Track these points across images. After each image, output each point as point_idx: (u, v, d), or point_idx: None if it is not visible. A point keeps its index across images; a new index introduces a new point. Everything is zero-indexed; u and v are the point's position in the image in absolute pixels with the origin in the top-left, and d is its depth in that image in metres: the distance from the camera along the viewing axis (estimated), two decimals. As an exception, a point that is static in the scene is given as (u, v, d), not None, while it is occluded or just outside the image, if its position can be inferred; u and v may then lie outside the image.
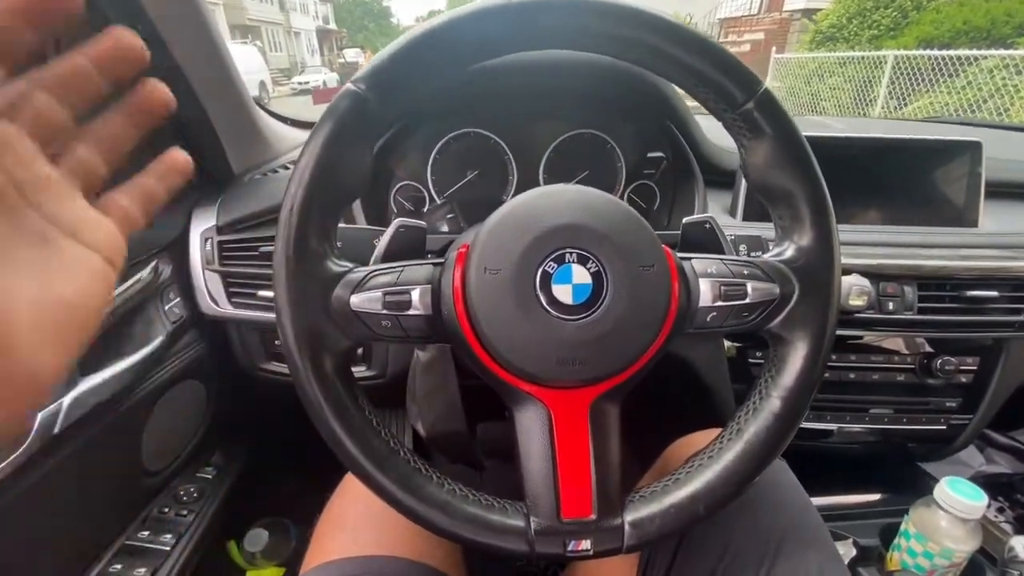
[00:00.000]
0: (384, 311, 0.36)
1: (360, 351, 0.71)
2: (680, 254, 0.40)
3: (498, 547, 0.37)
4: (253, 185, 0.74)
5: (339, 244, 0.53)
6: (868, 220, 0.75)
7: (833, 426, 0.78)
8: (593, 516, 0.38)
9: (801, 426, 0.73)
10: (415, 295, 0.37)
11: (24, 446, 0.43)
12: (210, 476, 0.72)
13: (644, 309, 0.36)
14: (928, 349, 0.74)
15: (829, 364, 0.74)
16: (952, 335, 0.72)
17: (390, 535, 0.47)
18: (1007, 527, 0.92)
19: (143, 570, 0.58)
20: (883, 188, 0.76)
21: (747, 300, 0.38)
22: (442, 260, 0.39)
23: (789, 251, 0.40)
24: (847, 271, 0.69)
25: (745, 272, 0.39)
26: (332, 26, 39.98)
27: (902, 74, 5.28)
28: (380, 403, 0.74)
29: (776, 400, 0.39)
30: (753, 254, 0.66)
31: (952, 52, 4.80)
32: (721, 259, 0.40)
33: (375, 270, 0.38)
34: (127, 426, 0.59)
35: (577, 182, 0.76)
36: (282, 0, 26.97)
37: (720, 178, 0.77)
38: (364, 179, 0.39)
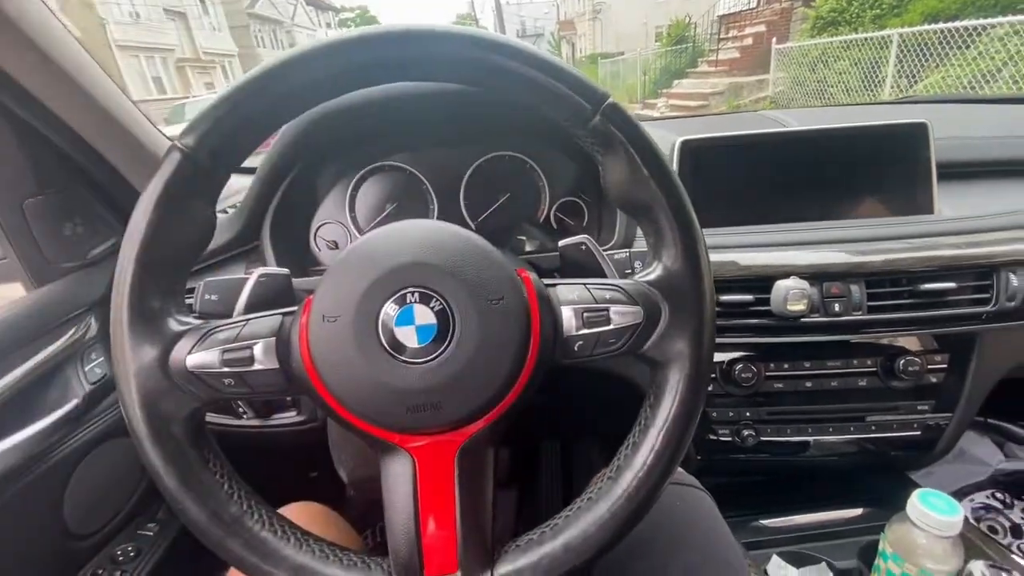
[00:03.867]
0: (225, 369, 0.35)
1: (288, 398, 0.70)
2: (547, 281, 0.38)
3: None
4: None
5: (214, 297, 0.52)
6: (811, 217, 0.71)
7: (808, 439, 0.72)
8: (458, 572, 0.35)
9: (773, 439, 0.71)
10: (258, 350, 0.35)
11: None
12: (151, 533, 0.72)
13: (497, 345, 0.34)
14: (891, 350, 0.69)
15: (782, 374, 0.69)
16: (909, 332, 0.67)
17: None
18: (1002, 534, 0.84)
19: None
20: (828, 182, 0.71)
21: (611, 326, 0.36)
22: (294, 309, 0.38)
23: (657, 271, 0.37)
24: (784, 274, 0.64)
25: (607, 296, 0.37)
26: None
27: (910, 52, 5.10)
28: (312, 447, 0.73)
29: (654, 433, 0.36)
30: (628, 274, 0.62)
31: (959, 23, 4.61)
32: (584, 284, 0.38)
33: (215, 326, 0.36)
34: (44, 490, 0.59)
35: (499, 206, 0.75)
36: (292, 46, 28.08)
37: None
38: (205, 234, 0.38)
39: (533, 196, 0.75)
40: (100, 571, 0.66)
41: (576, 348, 0.36)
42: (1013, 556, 0.66)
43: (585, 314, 0.36)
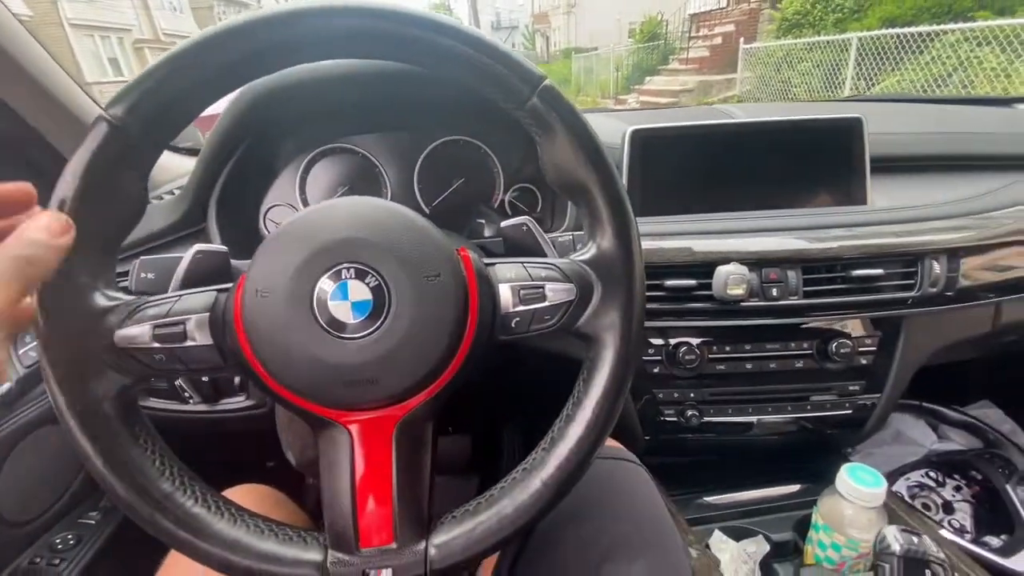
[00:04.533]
0: (156, 344, 0.34)
1: (236, 381, 0.69)
2: (487, 260, 0.39)
3: None
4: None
5: (151, 276, 0.51)
6: (752, 206, 0.74)
7: (751, 419, 0.75)
8: (394, 544, 0.36)
9: (716, 420, 0.73)
10: (191, 325, 0.35)
11: None
12: (93, 521, 0.70)
13: (433, 320, 0.34)
14: (826, 334, 0.72)
15: (723, 356, 0.72)
16: (842, 316, 0.70)
17: None
18: (935, 510, 0.89)
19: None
20: (767, 173, 0.74)
21: (546, 303, 0.37)
22: (229, 286, 0.37)
23: (591, 250, 0.39)
24: (725, 260, 0.67)
25: (543, 275, 0.38)
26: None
27: (868, 55, 5.30)
28: (261, 432, 0.72)
29: (587, 407, 0.37)
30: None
31: (914, 29, 4.82)
32: (522, 263, 0.39)
33: (146, 301, 0.36)
34: (-26, 479, 0.57)
35: (453, 190, 0.75)
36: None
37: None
38: (136, 210, 0.37)
39: (488, 181, 0.75)
40: (38, 559, 0.64)
41: (513, 324, 0.37)
42: (929, 523, 0.71)
43: (522, 291, 0.37)
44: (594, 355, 0.38)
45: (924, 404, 1.12)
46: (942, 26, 4.64)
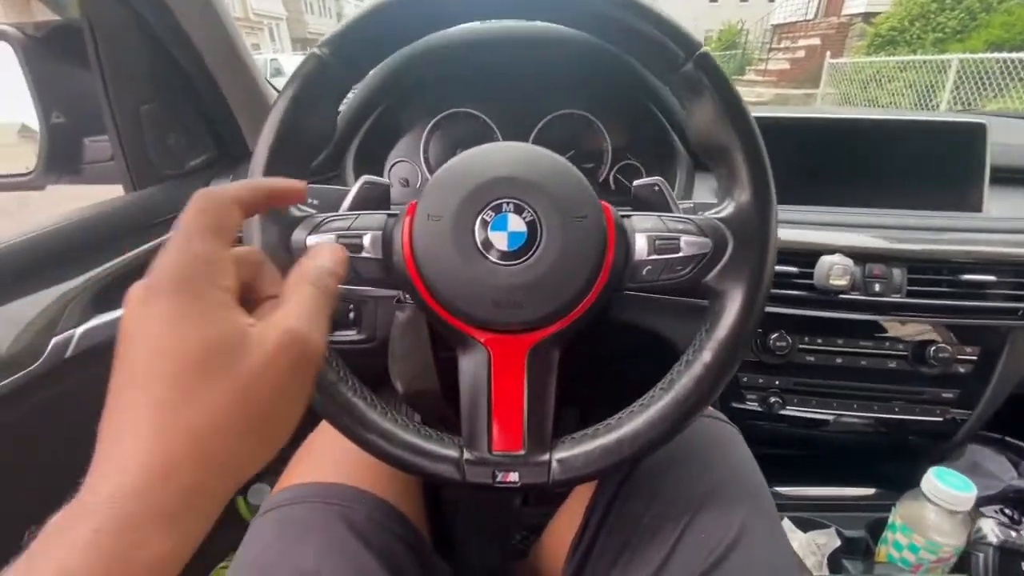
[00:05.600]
0: None
1: (351, 315, 0.76)
2: (622, 212, 0.43)
3: (432, 472, 0.40)
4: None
5: (315, 202, 0.58)
6: (861, 202, 0.74)
7: (826, 415, 0.76)
8: (522, 451, 0.40)
9: (793, 414, 0.74)
10: (367, 239, 0.40)
11: (37, 363, 0.50)
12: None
13: (576, 257, 0.38)
14: (925, 336, 0.72)
15: (815, 347, 0.73)
16: (944, 321, 0.69)
17: (349, 466, 0.50)
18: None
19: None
20: (881, 171, 0.74)
21: (680, 253, 0.40)
22: (397, 212, 0.43)
23: (728, 208, 0.41)
24: (831, 251, 0.68)
25: (680, 227, 0.41)
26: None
27: (968, 78, 4.97)
28: (372, 367, 0.78)
29: (707, 352, 0.40)
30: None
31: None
32: (658, 215, 0.42)
33: (332, 216, 0.42)
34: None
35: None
36: (340, 15, 28.25)
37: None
38: (327, 134, 0.44)
39: (596, 156, 0.79)
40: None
41: (644, 273, 0.40)
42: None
43: (657, 241, 0.40)
44: (719, 308, 0.41)
45: (1007, 439, 1.07)
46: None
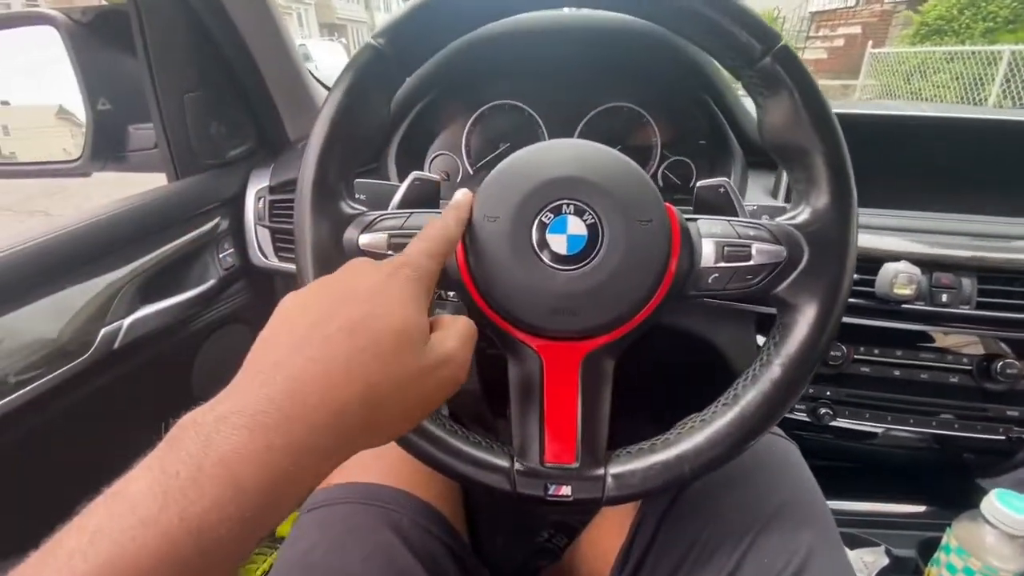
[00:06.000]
0: (390, 252, 0.39)
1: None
2: (688, 215, 0.40)
3: (481, 481, 0.39)
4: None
5: (362, 197, 0.57)
6: (930, 207, 0.70)
7: (879, 428, 0.72)
8: (576, 464, 0.39)
9: (842, 426, 0.71)
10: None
11: (88, 354, 0.50)
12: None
13: (639, 263, 0.36)
14: (991, 350, 0.68)
15: (871, 358, 0.69)
16: (1015, 335, 0.65)
17: (392, 467, 0.50)
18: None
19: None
20: (952, 173, 0.70)
21: (751, 262, 0.37)
22: None
23: (804, 214, 0.38)
24: (895, 258, 0.64)
25: (751, 233, 0.38)
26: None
27: (1020, 71, 4.72)
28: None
29: (776, 368, 0.38)
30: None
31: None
32: (728, 220, 0.39)
33: (384, 214, 0.40)
34: (179, 356, 0.67)
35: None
36: (367, 0, 28.25)
37: (764, 159, 0.74)
38: (380, 127, 0.42)
39: (644, 152, 0.76)
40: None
41: (710, 281, 0.38)
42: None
43: (726, 248, 0.37)
44: (790, 321, 0.38)
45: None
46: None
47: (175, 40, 0.66)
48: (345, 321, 0.25)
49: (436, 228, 0.34)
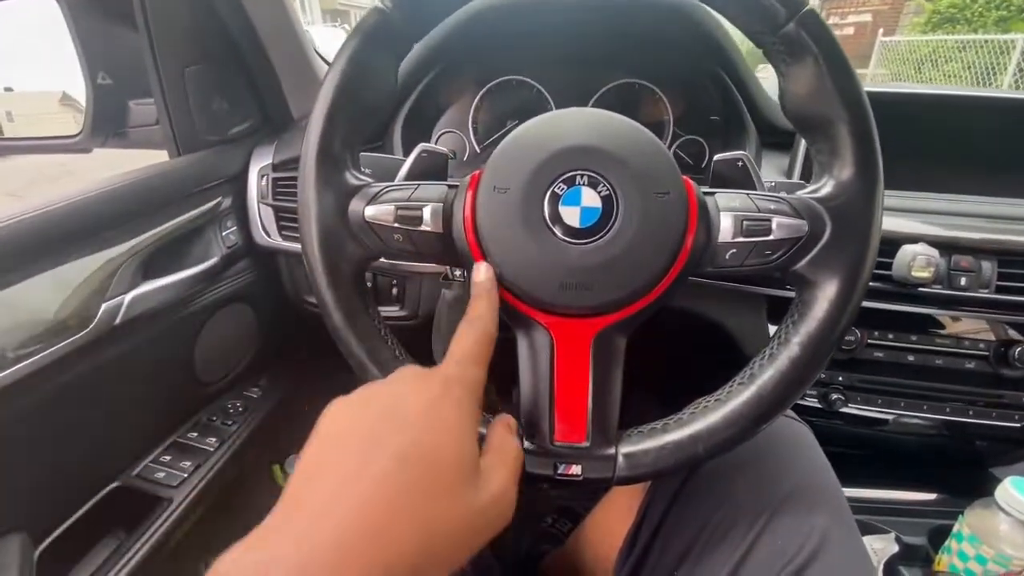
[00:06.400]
0: (396, 224, 0.37)
1: (394, 292, 0.74)
2: (705, 189, 0.39)
3: None
4: (309, 128, 0.79)
5: (368, 171, 0.55)
6: (950, 188, 0.68)
7: (891, 414, 0.71)
8: (586, 443, 0.37)
9: (853, 412, 0.70)
10: (427, 212, 0.37)
11: (88, 328, 0.49)
12: (255, 396, 0.79)
13: (655, 237, 0.35)
14: (1009, 335, 0.66)
15: (885, 343, 0.68)
16: (1035, 320, 0.64)
17: None
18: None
19: (188, 463, 0.65)
20: (973, 153, 0.67)
21: (771, 237, 0.36)
22: (457, 183, 0.40)
23: (826, 187, 0.37)
24: (913, 240, 0.62)
25: (772, 207, 0.36)
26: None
27: (1034, 60, 4.65)
28: (411, 344, 0.77)
29: (795, 346, 0.36)
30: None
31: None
32: (747, 194, 0.38)
33: (390, 185, 0.39)
34: (181, 334, 0.66)
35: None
36: (371, -16, 27.93)
37: (778, 139, 0.72)
38: (389, 95, 0.41)
39: (657, 130, 0.73)
40: (213, 418, 0.73)
41: (727, 256, 0.36)
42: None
43: (745, 222, 0.36)
44: (810, 299, 0.36)
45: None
46: None
47: (176, 11, 0.64)
48: (397, 448, 0.24)
49: (474, 328, 0.32)
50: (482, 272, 0.35)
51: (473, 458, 0.26)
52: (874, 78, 6.59)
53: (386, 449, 0.23)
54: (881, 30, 6.79)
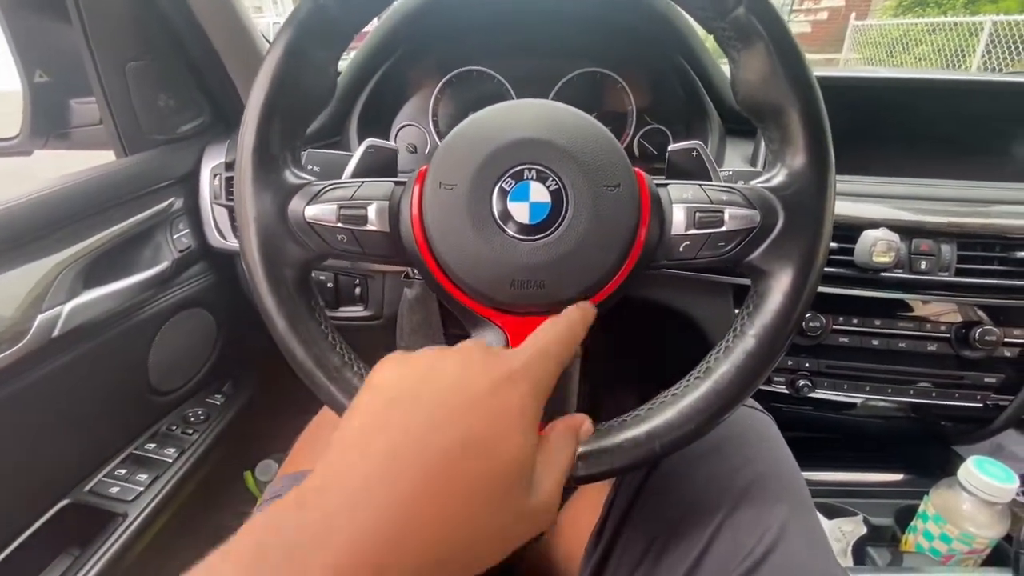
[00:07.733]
0: (339, 224, 0.36)
1: (357, 291, 0.72)
2: (657, 180, 0.38)
3: None
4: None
5: (315, 169, 0.53)
6: (909, 172, 0.68)
7: (857, 398, 0.72)
8: None
9: (820, 397, 0.70)
10: (372, 211, 0.36)
11: (22, 343, 0.47)
12: (218, 403, 0.76)
13: (607, 231, 0.34)
14: (969, 317, 0.67)
15: (849, 328, 0.68)
16: (993, 301, 0.64)
17: None
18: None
19: (144, 476, 0.63)
20: (932, 137, 0.68)
21: (723, 228, 0.35)
22: (404, 180, 0.38)
23: (778, 176, 0.36)
24: (874, 225, 0.62)
25: (724, 198, 0.36)
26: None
27: (1001, 42, 4.73)
28: (376, 343, 0.75)
29: (750, 338, 0.35)
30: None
31: (1065, 15, 4.25)
32: (699, 185, 0.37)
33: (332, 184, 0.37)
34: (132, 343, 0.63)
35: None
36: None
37: (743, 126, 0.71)
38: (328, 89, 0.39)
39: (619, 119, 0.73)
40: (173, 427, 0.71)
41: (681, 249, 0.36)
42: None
43: (698, 214, 0.35)
44: (764, 289, 0.36)
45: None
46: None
47: (113, 3, 0.61)
48: (457, 436, 0.22)
49: (561, 328, 0.30)
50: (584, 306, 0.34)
51: (531, 462, 0.24)
52: (847, 63, 6.65)
53: (447, 431, 0.22)
54: (853, 14, 6.86)
